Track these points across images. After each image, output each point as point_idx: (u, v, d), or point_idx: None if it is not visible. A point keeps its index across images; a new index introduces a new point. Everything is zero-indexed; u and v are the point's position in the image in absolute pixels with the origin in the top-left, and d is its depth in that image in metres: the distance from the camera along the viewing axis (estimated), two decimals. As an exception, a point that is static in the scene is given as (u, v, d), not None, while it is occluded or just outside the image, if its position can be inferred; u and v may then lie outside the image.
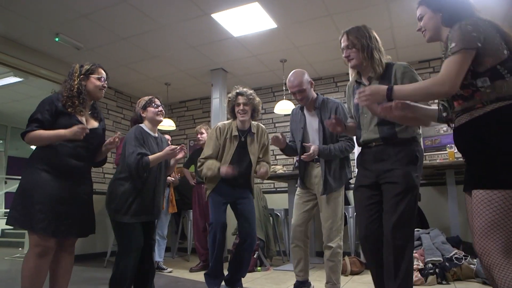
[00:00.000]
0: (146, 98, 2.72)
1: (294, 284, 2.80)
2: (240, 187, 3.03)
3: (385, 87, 1.61)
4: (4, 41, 4.32)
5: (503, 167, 1.40)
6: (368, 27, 2.12)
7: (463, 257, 3.30)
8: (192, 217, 4.66)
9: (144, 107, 2.67)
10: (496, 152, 1.42)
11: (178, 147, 2.55)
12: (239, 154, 2.98)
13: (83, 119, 2.25)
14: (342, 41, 2.15)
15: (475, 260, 3.29)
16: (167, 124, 5.74)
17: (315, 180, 2.69)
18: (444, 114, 1.62)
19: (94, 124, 2.33)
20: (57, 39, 4.29)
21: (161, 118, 2.70)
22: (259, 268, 4.20)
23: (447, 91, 1.43)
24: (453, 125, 1.61)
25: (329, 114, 2.63)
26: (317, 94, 2.79)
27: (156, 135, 2.69)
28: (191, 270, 4.20)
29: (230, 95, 3.02)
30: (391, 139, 1.98)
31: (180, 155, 2.60)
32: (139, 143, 2.47)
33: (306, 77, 2.70)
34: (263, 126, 3.18)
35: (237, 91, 2.97)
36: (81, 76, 2.26)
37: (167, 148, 2.51)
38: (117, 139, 2.35)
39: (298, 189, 2.84)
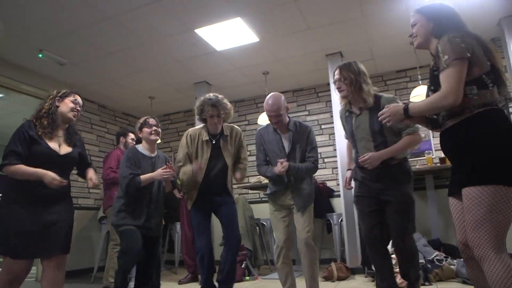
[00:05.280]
0: (142, 119, 2.84)
1: None
2: (219, 194, 3.00)
3: (401, 106, 1.78)
4: (-15, 58, 4.31)
5: (488, 164, 1.52)
6: (358, 62, 2.44)
7: (444, 259, 3.45)
8: (181, 229, 4.68)
9: (140, 128, 2.81)
10: (482, 151, 1.54)
11: (167, 168, 2.72)
12: (213, 157, 2.96)
13: (55, 145, 2.23)
14: (335, 74, 2.45)
15: (455, 261, 3.44)
16: (152, 137, 5.76)
17: (290, 196, 2.81)
18: (435, 117, 1.79)
19: (67, 149, 2.31)
20: (40, 55, 4.30)
21: (156, 137, 2.82)
22: (247, 277, 4.24)
23: (451, 103, 1.55)
24: (440, 129, 1.76)
25: (302, 137, 2.83)
26: (289, 117, 2.90)
27: (153, 154, 2.82)
28: (180, 282, 4.22)
29: (202, 105, 2.91)
30: (389, 161, 2.32)
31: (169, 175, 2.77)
32: (131, 164, 2.67)
33: (283, 102, 2.81)
34: (238, 128, 3.15)
35: (211, 103, 2.88)
36: (56, 98, 2.30)
37: (159, 170, 2.68)
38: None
39: (271, 207, 2.90)
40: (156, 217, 2.77)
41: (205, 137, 2.95)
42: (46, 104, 2.27)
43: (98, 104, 6.04)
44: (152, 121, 2.83)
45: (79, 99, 2.38)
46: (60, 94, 2.33)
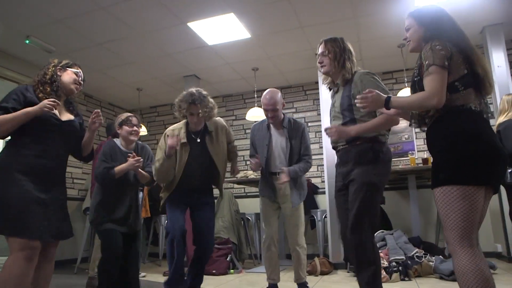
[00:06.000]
0: (124, 115, 2.81)
1: None
2: (200, 190, 2.85)
3: (384, 96, 1.77)
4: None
5: (438, 167, 1.63)
6: (345, 39, 2.31)
7: (423, 256, 3.59)
8: (166, 222, 4.69)
9: (121, 124, 2.78)
10: (435, 155, 1.67)
11: (140, 159, 2.61)
12: (197, 156, 2.78)
13: (56, 111, 2.04)
14: (319, 48, 2.32)
15: (433, 258, 3.58)
16: (139, 129, 5.74)
17: (280, 192, 2.89)
18: (412, 121, 1.82)
19: (69, 116, 2.15)
20: (27, 41, 4.22)
21: (134, 138, 2.78)
22: (232, 270, 4.30)
23: (436, 104, 1.59)
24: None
25: (296, 134, 2.91)
26: (283, 114, 2.97)
27: (129, 150, 2.78)
28: (165, 274, 4.24)
29: (181, 101, 2.72)
30: (353, 139, 2.12)
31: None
32: (106, 158, 2.68)
33: (280, 98, 2.90)
34: (221, 120, 2.96)
35: (190, 100, 2.68)
36: (58, 67, 2.14)
37: (130, 160, 2.58)
38: (100, 116, 2.20)
39: (262, 199, 2.99)
40: (134, 212, 2.74)
41: (184, 139, 2.75)
42: (49, 70, 2.11)
43: (85, 94, 5.95)
44: (134, 120, 2.77)
45: (81, 72, 2.23)
46: (62, 64, 2.17)
